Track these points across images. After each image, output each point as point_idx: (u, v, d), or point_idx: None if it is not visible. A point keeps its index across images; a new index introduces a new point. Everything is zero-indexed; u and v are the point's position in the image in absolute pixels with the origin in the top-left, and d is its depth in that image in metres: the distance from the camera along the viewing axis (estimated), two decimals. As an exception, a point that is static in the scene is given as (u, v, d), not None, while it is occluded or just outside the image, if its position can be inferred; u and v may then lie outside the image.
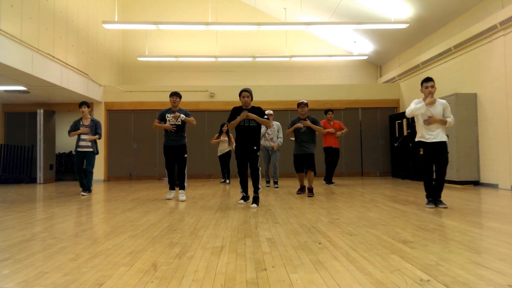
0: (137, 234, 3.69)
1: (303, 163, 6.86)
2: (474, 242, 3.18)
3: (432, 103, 5.14)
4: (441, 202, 5.25)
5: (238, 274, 2.41)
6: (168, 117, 6.44)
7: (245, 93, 5.69)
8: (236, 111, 5.75)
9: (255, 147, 5.69)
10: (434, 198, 5.29)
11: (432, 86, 5.18)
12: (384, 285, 2.17)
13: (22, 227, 4.15)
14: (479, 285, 2.14)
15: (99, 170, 12.21)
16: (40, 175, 11.40)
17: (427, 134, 5.20)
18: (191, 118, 6.50)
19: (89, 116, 7.73)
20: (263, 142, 8.49)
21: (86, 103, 7.67)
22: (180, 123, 6.44)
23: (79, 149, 7.57)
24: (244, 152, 5.73)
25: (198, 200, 6.45)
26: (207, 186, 9.50)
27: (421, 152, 5.26)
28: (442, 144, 5.18)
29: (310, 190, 6.77)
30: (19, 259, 2.83)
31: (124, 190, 8.80)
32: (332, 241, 3.29)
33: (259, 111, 5.72)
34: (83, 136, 7.55)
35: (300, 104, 6.89)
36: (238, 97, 5.78)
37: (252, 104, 5.80)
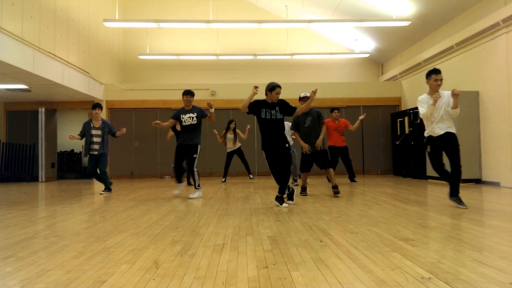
0: (139, 232, 3.70)
1: (312, 161, 6.47)
2: (476, 240, 3.18)
3: (437, 97, 4.83)
4: (460, 201, 4.85)
5: (240, 272, 2.41)
6: (182, 117, 6.38)
7: (279, 89, 5.31)
8: (259, 104, 5.36)
9: (287, 145, 5.33)
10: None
11: (441, 80, 4.94)
12: (385, 282, 2.18)
13: (24, 225, 4.17)
14: (480, 283, 2.14)
15: (100, 168, 12.24)
16: (42, 173, 11.42)
17: (436, 128, 4.94)
18: (209, 116, 6.47)
19: (100, 118, 7.55)
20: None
21: (99, 105, 7.50)
22: (195, 122, 6.38)
23: (91, 152, 7.40)
24: (275, 151, 5.34)
25: (199, 198, 6.46)
26: (208, 184, 9.51)
27: (428, 150, 5.02)
28: (451, 134, 4.91)
29: (335, 187, 6.36)
30: (22, 257, 2.84)
31: (126, 188, 8.81)
32: (334, 239, 3.29)
33: (284, 103, 5.40)
34: (95, 139, 7.40)
35: (304, 98, 6.41)
36: (267, 92, 5.34)
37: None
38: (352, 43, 13.75)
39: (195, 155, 6.39)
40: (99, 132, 7.44)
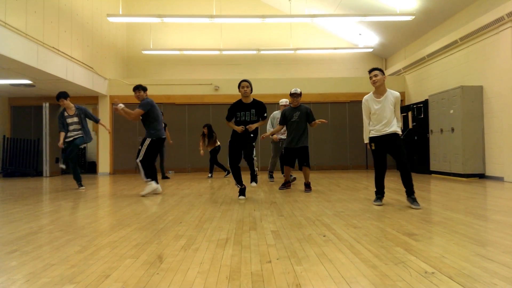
0: (143, 227, 3.72)
1: (294, 157, 6.50)
2: (479, 234, 3.18)
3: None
4: (414, 201, 4.60)
5: (243, 266, 2.42)
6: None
7: (245, 82, 5.55)
8: (235, 107, 5.61)
9: (252, 135, 5.50)
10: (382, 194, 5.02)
11: (376, 76, 4.69)
12: (388, 277, 2.18)
13: (29, 220, 4.20)
14: (483, 278, 2.14)
15: (105, 163, 12.31)
16: (46, 168, 11.48)
17: (379, 126, 4.92)
18: (129, 111, 6.19)
19: (72, 105, 7.21)
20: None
21: (63, 95, 7.09)
22: (141, 118, 6.26)
23: (67, 140, 7.18)
24: (240, 141, 5.52)
25: (203, 193, 6.48)
26: (211, 179, 9.52)
27: (373, 148, 4.98)
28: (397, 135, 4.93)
29: (308, 185, 6.45)
30: (27, 251, 2.87)
31: (130, 183, 8.84)
32: (337, 233, 3.29)
33: (260, 106, 5.57)
34: (72, 127, 7.16)
35: (294, 94, 6.50)
36: (238, 89, 5.61)
37: (256, 97, 5.71)
38: (355, 38, 13.68)
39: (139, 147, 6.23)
40: (75, 119, 7.16)
